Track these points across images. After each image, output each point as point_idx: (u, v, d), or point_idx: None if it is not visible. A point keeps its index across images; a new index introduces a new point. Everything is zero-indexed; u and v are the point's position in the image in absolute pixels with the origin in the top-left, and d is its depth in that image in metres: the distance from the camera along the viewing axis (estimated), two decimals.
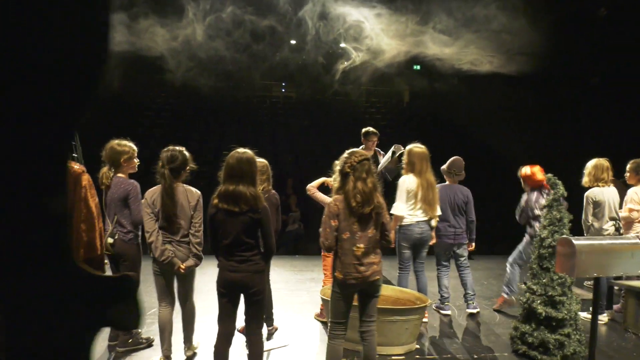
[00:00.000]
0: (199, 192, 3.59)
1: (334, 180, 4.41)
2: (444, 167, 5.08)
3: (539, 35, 8.78)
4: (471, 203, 4.96)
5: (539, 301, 3.95)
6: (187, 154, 3.59)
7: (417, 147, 4.65)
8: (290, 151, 12.04)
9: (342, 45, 9.64)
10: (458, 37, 9.46)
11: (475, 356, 4.01)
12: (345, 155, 3.24)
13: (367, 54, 9.06)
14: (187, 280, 3.65)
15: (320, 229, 3.15)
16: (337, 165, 3.27)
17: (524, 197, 4.98)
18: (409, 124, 15.12)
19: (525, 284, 4.21)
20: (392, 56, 9.21)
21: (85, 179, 3.90)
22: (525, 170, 4.98)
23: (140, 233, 3.92)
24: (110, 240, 3.82)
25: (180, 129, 11.66)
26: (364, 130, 6.47)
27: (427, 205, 4.50)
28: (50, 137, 1.01)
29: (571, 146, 7.94)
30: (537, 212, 4.75)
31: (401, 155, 6.26)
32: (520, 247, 5.08)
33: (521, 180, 5.04)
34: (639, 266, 3.39)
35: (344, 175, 3.15)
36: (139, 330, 4.05)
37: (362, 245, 3.13)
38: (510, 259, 5.13)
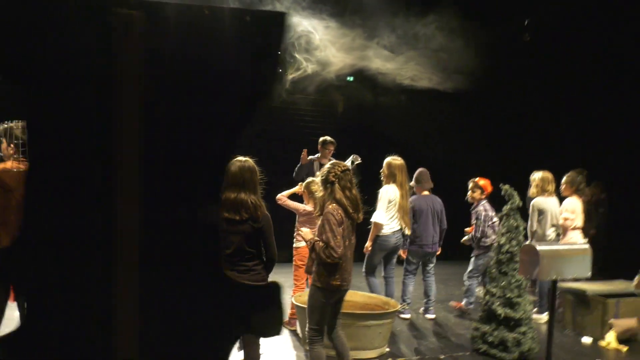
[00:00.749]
0: None
1: (302, 189, 4.52)
2: (413, 178, 5.31)
3: (472, 56, 9.46)
4: (444, 211, 5.29)
5: (498, 303, 4.28)
6: None
7: (396, 159, 4.92)
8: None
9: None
10: (400, 53, 9.94)
11: (442, 356, 4.27)
12: (328, 165, 3.39)
13: (315, 64, 9.24)
14: None
15: (325, 239, 3.10)
16: (321, 175, 3.39)
17: (480, 207, 5.35)
18: (343, 134, 15.49)
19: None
20: (338, 68, 9.47)
21: None
22: (482, 180, 5.44)
23: None
24: None
25: None
26: (321, 139, 6.62)
27: (405, 215, 4.78)
28: (216, 151, 1.03)
29: (507, 161, 8.64)
30: (495, 219, 5.17)
31: (359, 165, 6.50)
32: (476, 261, 5.43)
33: (474, 188, 5.44)
34: (588, 269, 3.83)
35: (329, 184, 3.26)
36: None
37: (351, 251, 3.30)
38: (467, 273, 5.48)
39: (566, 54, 8.50)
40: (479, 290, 6.13)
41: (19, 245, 1.01)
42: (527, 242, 4.34)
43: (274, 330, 1.20)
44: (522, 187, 5.45)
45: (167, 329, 1.03)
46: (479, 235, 5.34)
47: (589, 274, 3.79)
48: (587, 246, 3.85)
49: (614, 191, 7.61)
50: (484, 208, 5.34)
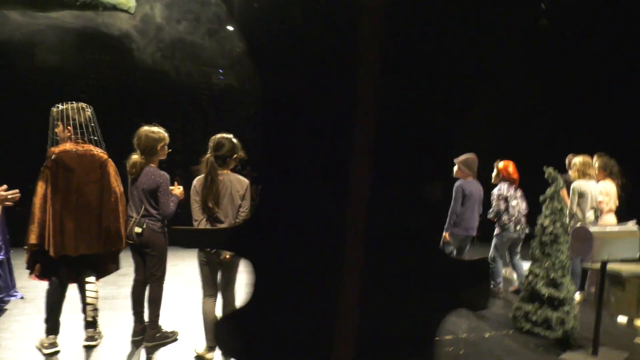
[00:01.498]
0: (247, 181, 3.52)
1: None
2: (462, 162, 5.33)
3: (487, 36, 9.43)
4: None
5: (542, 283, 4.39)
6: (235, 141, 3.51)
7: None
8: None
9: None
10: None
11: (487, 334, 4.38)
12: None
13: None
14: (230, 270, 3.59)
15: None
16: None
17: (496, 188, 5.48)
18: None
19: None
20: None
21: (111, 165, 3.67)
22: (503, 163, 5.53)
23: (167, 222, 3.79)
24: (138, 229, 3.65)
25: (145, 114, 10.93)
26: None
27: None
28: (443, 132, 1.07)
29: (531, 145, 8.72)
30: (512, 202, 5.31)
31: None
32: (494, 241, 5.57)
33: (496, 171, 5.55)
34: (637, 250, 3.94)
35: None
36: (160, 325, 3.90)
37: None
38: (490, 255, 5.61)
39: (576, 44, 8.52)
40: (506, 272, 6.26)
41: (255, 223, 1.04)
42: (578, 225, 4.44)
43: (482, 304, 1.26)
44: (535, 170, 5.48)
45: (386, 304, 1.07)
46: (491, 215, 5.47)
47: (638, 254, 3.90)
48: (635, 228, 3.95)
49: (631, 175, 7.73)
50: (499, 188, 5.45)
